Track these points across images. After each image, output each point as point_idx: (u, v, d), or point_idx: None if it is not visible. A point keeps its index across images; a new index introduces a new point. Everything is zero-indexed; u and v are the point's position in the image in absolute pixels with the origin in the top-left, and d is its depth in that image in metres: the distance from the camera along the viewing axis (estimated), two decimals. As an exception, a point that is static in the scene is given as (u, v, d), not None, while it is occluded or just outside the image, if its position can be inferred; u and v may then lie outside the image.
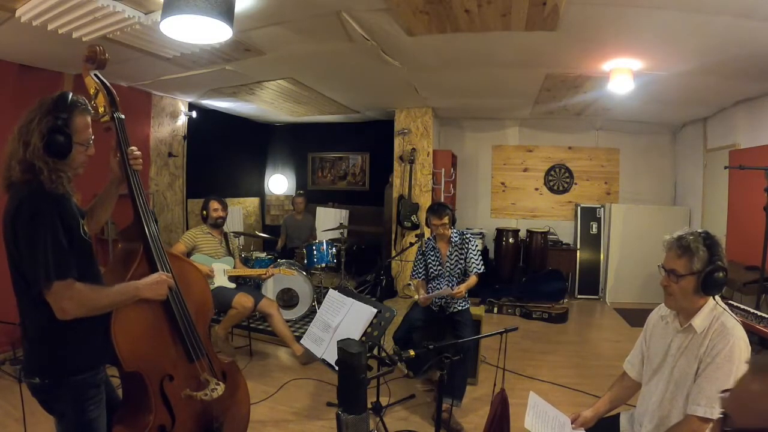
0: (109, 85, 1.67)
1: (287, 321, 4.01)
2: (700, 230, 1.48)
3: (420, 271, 3.26)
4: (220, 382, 1.74)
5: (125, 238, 1.76)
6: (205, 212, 3.69)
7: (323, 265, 4.99)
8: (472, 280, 3.12)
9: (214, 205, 3.69)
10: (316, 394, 3.13)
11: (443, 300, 3.14)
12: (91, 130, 1.51)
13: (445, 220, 3.09)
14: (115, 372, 1.63)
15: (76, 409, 1.44)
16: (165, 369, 1.66)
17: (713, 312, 1.46)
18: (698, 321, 1.46)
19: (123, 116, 1.66)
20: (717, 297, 1.49)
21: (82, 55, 1.66)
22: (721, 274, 1.40)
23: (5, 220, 1.36)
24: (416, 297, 2.96)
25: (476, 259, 3.14)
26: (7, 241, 1.36)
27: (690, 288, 1.44)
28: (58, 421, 1.47)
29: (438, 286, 3.18)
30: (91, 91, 1.66)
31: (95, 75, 1.67)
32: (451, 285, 3.15)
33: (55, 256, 1.33)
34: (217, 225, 3.72)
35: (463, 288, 3.04)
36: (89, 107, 1.51)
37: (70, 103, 1.44)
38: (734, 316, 1.46)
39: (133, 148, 1.67)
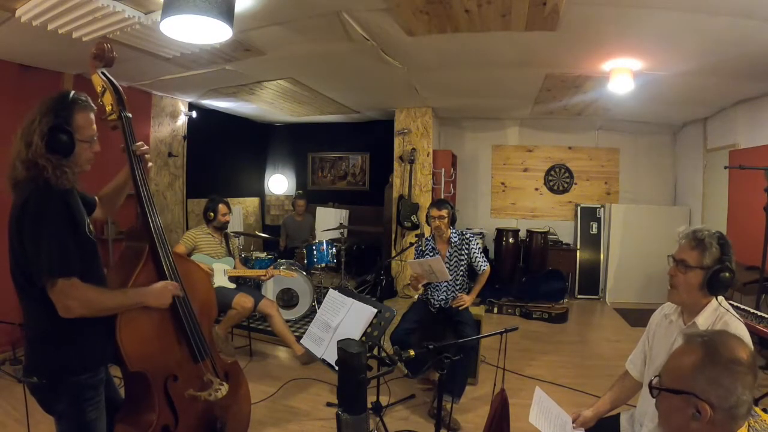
0: (116, 83, 1.64)
1: (287, 321, 4.01)
2: (715, 230, 1.49)
3: None
4: (224, 383, 1.74)
5: (131, 237, 1.76)
6: (212, 214, 3.70)
7: (323, 265, 4.99)
8: (483, 280, 3.20)
9: (223, 209, 3.71)
10: (316, 394, 3.13)
11: (442, 300, 3.14)
12: (95, 126, 1.49)
13: (444, 213, 3.09)
14: (118, 371, 1.63)
15: (74, 410, 1.43)
16: (170, 369, 1.65)
17: (716, 312, 1.46)
18: (701, 320, 1.46)
19: (130, 115, 1.65)
20: (721, 297, 1.49)
21: (90, 52, 1.63)
22: (727, 275, 1.41)
23: (11, 218, 1.36)
24: (415, 296, 2.96)
25: (480, 257, 3.18)
26: (11, 238, 1.36)
27: (695, 282, 1.45)
28: (57, 421, 1.46)
29: (437, 286, 3.16)
30: (98, 89, 1.64)
31: (102, 73, 1.64)
32: (452, 287, 3.15)
33: (59, 253, 1.32)
34: (223, 228, 3.76)
35: (467, 299, 3.12)
36: (91, 104, 1.49)
37: (70, 100, 1.43)
38: (738, 316, 1.46)
39: (140, 143, 1.66)
